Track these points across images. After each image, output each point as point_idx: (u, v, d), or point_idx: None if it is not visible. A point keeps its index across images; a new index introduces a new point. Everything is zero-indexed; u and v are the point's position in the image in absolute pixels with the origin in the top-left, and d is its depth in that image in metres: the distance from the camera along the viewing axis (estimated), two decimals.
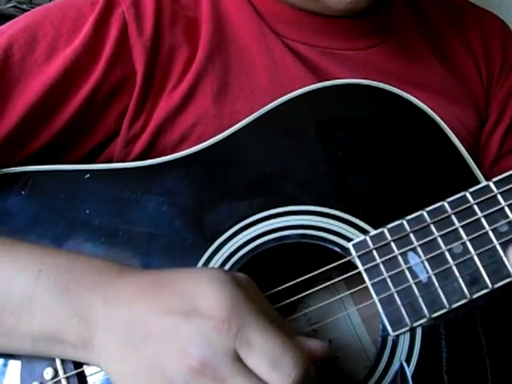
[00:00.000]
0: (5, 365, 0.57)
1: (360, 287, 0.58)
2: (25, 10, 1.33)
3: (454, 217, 0.56)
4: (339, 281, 0.59)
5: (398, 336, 0.56)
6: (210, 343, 0.47)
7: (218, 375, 0.47)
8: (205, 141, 0.63)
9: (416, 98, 0.62)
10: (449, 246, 0.56)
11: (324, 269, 0.58)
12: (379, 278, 0.56)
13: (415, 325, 0.55)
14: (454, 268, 0.55)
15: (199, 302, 0.49)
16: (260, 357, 0.47)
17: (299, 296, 0.58)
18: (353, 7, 0.66)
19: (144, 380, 0.49)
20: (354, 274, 0.58)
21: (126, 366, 0.49)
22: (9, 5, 1.37)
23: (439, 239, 0.56)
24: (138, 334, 0.49)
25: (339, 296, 0.60)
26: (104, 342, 0.51)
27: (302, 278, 0.58)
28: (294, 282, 0.58)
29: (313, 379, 0.49)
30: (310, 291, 0.58)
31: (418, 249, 0.56)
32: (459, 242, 0.56)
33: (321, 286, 0.59)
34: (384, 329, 0.56)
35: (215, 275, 0.51)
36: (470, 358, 0.56)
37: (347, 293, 0.60)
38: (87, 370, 0.56)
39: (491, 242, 0.55)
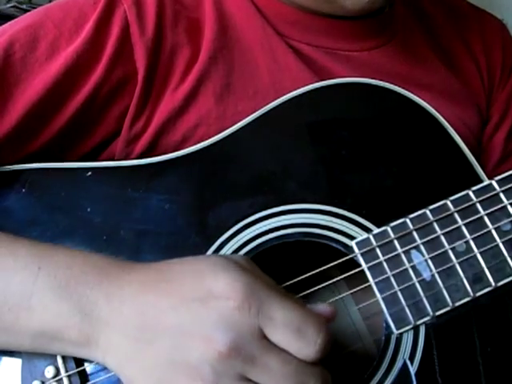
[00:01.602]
0: (5, 363, 0.57)
1: (363, 286, 0.58)
2: (25, 10, 1.33)
3: (457, 215, 0.56)
4: (340, 280, 0.59)
5: (401, 334, 0.55)
6: (234, 325, 0.47)
7: (247, 356, 0.47)
8: None
9: (419, 97, 0.62)
10: (452, 245, 0.56)
11: (326, 266, 0.58)
12: (383, 277, 0.56)
13: (419, 323, 0.55)
14: (458, 266, 0.55)
15: (212, 288, 0.49)
16: (285, 330, 0.48)
17: (300, 295, 0.58)
18: (369, 7, 0.66)
19: (165, 373, 0.48)
20: (355, 273, 0.58)
21: (142, 361, 0.49)
22: (9, 5, 1.37)
23: (442, 237, 0.56)
24: (151, 329, 0.49)
25: (341, 296, 0.60)
26: (113, 340, 0.50)
27: (302, 277, 0.58)
28: (295, 280, 0.57)
29: (331, 341, 0.50)
30: (310, 290, 0.58)
31: (422, 247, 0.56)
32: (462, 240, 0.56)
33: (322, 285, 0.58)
34: (387, 327, 0.56)
35: (217, 261, 0.51)
36: (466, 357, 0.56)
37: (349, 292, 0.60)
38: (88, 367, 0.56)
39: (494, 240, 0.55)
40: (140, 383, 0.50)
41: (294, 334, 0.48)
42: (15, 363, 0.56)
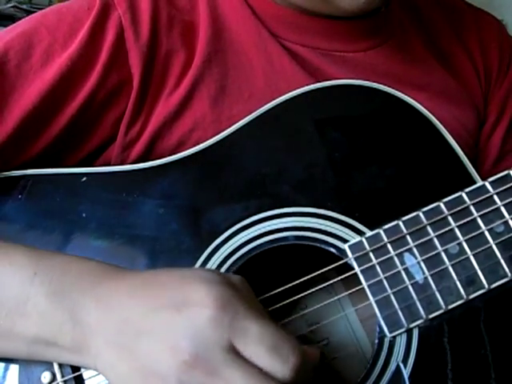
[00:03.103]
0: (3, 369, 0.57)
1: (357, 288, 0.58)
2: (25, 10, 1.33)
3: (450, 217, 0.56)
4: (338, 281, 0.59)
5: (394, 337, 0.55)
6: (202, 335, 0.47)
7: (210, 368, 0.46)
8: None
9: (413, 98, 0.62)
10: (445, 247, 0.56)
11: (322, 271, 0.58)
12: (375, 280, 0.56)
13: (411, 326, 0.55)
14: (450, 269, 0.55)
15: (190, 296, 0.49)
16: (258, 344, 0.47)
17: (296, 297, 0.58)
18: (365, 7, 0.66)
19: (137, 380, 0.48)
20: (352, 275, 0.58)
21: (120, 367, 0.49)
22: (9, 5, 1.38)
23: (435, 240, 0.56)
24: (129, 333, 0.49)
25: (337, 297, 0.60)
26: (99, 345, 0.51)
27: (300, 280, 0.58)
28: (293, 283, 0.57)
29: (311, 370, 0.50)
30: (307, 292, 0.58)
31: (414, 250, 0.56)
32: (455, 242, 0.56)
33: (319, 287, 0.59)
34: (381, 330, 0.56)
35: (208, 275, 0.51)
36: (468, 357, 0.56)
37: (345, 294, 0.60)
38: (85, 373, 0.56)
39: (487, 242, 0.55)
40: None
41: (268, 348, 0.47)
42: (13, 369, 0.57)
